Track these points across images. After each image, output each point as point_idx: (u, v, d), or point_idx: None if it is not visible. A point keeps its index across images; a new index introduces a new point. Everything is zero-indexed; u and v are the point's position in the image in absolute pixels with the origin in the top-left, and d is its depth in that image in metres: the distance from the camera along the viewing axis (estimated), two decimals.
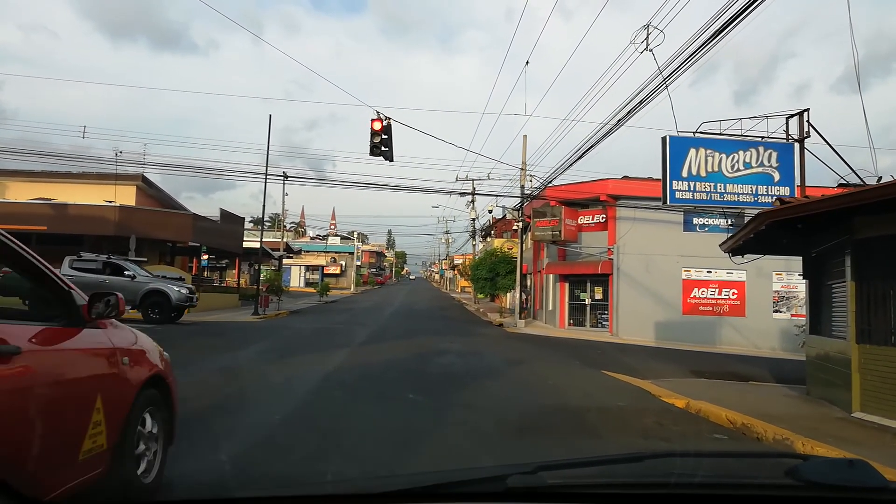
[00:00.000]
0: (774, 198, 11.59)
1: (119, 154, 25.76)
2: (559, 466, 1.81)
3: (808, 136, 11.92)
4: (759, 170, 12.64)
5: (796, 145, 12.12)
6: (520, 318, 27.32)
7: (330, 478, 4.66)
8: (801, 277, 23.83)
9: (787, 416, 8.22)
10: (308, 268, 72.11)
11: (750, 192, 12.71)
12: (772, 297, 24.53)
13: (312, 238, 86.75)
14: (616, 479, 1.76)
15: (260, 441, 5.99)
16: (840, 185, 13.01)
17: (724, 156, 12.65)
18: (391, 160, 16.54)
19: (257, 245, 33.59)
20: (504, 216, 38.81)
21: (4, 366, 2.67)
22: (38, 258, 3.50)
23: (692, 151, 12.55)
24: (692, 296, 24.52)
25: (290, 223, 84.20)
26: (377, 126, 16.16)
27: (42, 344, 3.08)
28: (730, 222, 23.95)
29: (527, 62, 23.02)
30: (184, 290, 19.68)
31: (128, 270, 19.61)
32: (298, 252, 62.34)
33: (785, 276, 24.25)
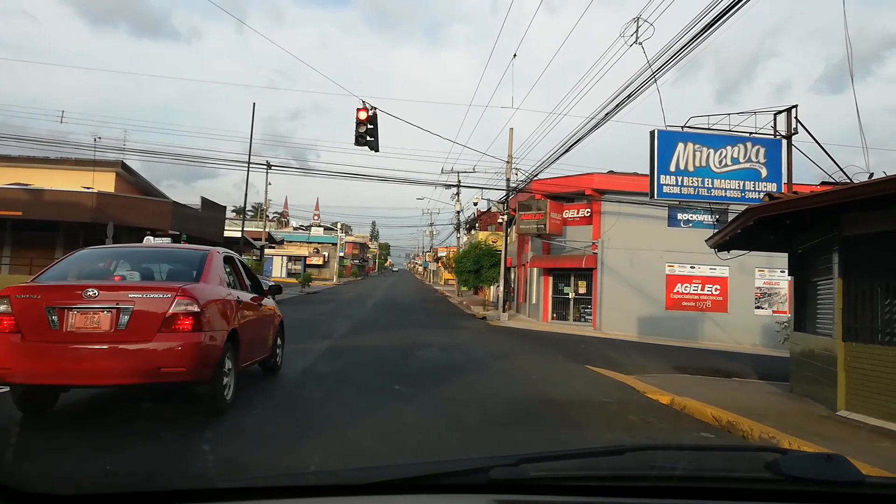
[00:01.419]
0: (762, 193, 11.52)
1: (98, 140, 25.22)
2: (541, 459, 1.80)
3: (797, 133, 11.88)
4: (747, 165, 12.57)
5: (784, 141, 12.08)
6: (503, 312, 27.24)
7: (313, 469, 4.59)
8: (783, 274, 24.19)
9: (771, 414, 8.16)
10: (290, 258, 71.55)
11: (737, 188, 12.65)
12: (754, 293, 24.65)
13: (295, 228, 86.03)
14: (598, 471, 1.76)
15: (241, 432, 5.97)
16: (823, 183, 13.01)
17: (712, 151, 12.57)
18: (377, 150, 16.33)
19: (239, 234, 33.21)
20: (489, 209, 38.68)
21: (261, 306, 8.15)
22: (252, 271, 8.67)
23: (680, 146, 12.45)
24: (675, 291, 24.58)
25: (274, 213, 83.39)
26: (363, 116, 15.91)
27: (256, 301, 7.95)
28: (714, 218, 24.04)
29: (514, 55, 22.87)
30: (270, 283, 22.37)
31: None
32: (281, 242, 61.79)
33: (767, 273, 24.38)
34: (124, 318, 5.65)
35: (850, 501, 1.63)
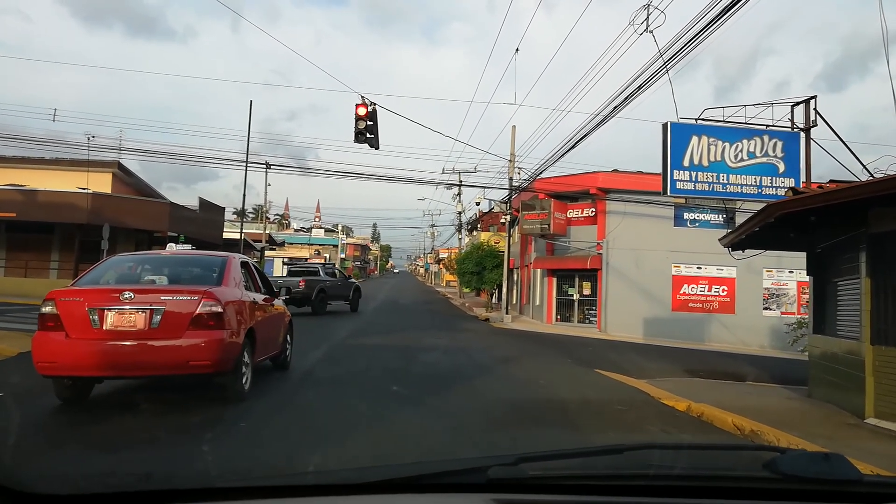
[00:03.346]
0: (779, 189, 11.05)
1: (91, 139, 24.77)
2: (540, 458, 1.78)
3: (815, 126, 11.38)
4: (764, 160, 12.01)
5: (802, 135, 11.57)
6: (506, 314, 26.76)
7: (312, 469, 4.56)
8: (791, 274, 23.76)
9: (796, 422, 7.70)
10: (291, 260, 71.13)
11: (754, 184, 12.09)
12: (762, 294, 24.17)
13: (296, 230, 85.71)
14: (596, 470, 1.76)
15: (241, 433, 6.01)
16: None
17: (727, 144, 12.01)
18: (377, 147, 15.86)
19: (239, 236, 32.77)
20: (491, 209, 38.21)
21: (272, 307, 8.83)
22: (265, 273, 9.81)
23: (694, 139, 11.91)
24: (682, 292, 24.10)
25: (275, 215, 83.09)
26: (362, 112, 15.47)
27: (268, 301, 8.66)
28: (722, 217, 23.57)
29: (517, 49, 22.40)
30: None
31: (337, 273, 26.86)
32: (282, 244, 61.46)
33: (775, 273, 23.92)
34: (157, 318, 6.33)
35: (849, 500, 1.61)
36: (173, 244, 8.95)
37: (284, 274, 26.72)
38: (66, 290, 6.68)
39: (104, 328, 6.27)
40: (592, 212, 24.95)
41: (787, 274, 23.79)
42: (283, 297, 25.53)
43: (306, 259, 72.57)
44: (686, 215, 23.89)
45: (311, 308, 22.53)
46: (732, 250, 11.24)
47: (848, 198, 6.99)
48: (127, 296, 6.36)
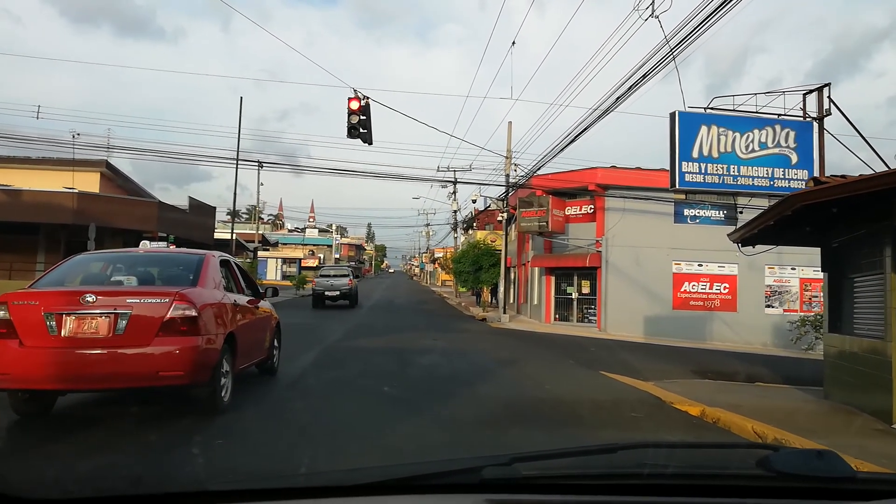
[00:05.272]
0: (792, 182, 10.56)
1: (76, 136, 24.16)
2: (534, 458, 1.77)
3: (829, 115, 10.89)
4: (776, 151, 11.48)
5: (815, 124, 11.08)
6: (504, 313, 26.25)
7: (304, 471, 4.51)
8: (794, 271, 23.33)
9: (819, 428, 7.23)
10: (285, 261, 70.55)
11: (765, 176, 11.53)
12: (764, 291, 23.75)
13: (290, 231, 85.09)
14: (590, 470, 1.76)
15: (233, 436, 5.98)
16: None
17: (738, 135, 11.46)
18: (370, 142, 15.34)
19: (231, 236, 32.20)
20: (488, 206, 37.70)
21: (257, 309, 8.25)
22: (248, 274, 9.02)
23: (703, 129, 11.36)
24: (683, 290, 23.64)
25: (268, 215, 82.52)
26: (355, 105, 14.96)
27: (253, 303, 8.08)
28: (723, 213, 23.11)
29: (513, 43, 21.93)
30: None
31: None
32: (275, 244, 60.87)
33: (777, 270, 23.52)
34: (122, 323, 5.73)
35: (843, 497, 1.61)
36: (147, 241, 8.33)
37: (320, 275, 31.48)
38: (19, 293, 6.05)
39: (62, 335, 5.66)
40: (591, 209, 24.46)
41: (790, 271, 23.41)
42: (335, 294, 27.12)
43: (300, 259, 72.13)
44: (687, 212, 23.43)
45: (349, 302, 28.43)
46: (742, 246, 10.75)
47: (877, 187, 6.49)
48: (88, 299, 5.75)
